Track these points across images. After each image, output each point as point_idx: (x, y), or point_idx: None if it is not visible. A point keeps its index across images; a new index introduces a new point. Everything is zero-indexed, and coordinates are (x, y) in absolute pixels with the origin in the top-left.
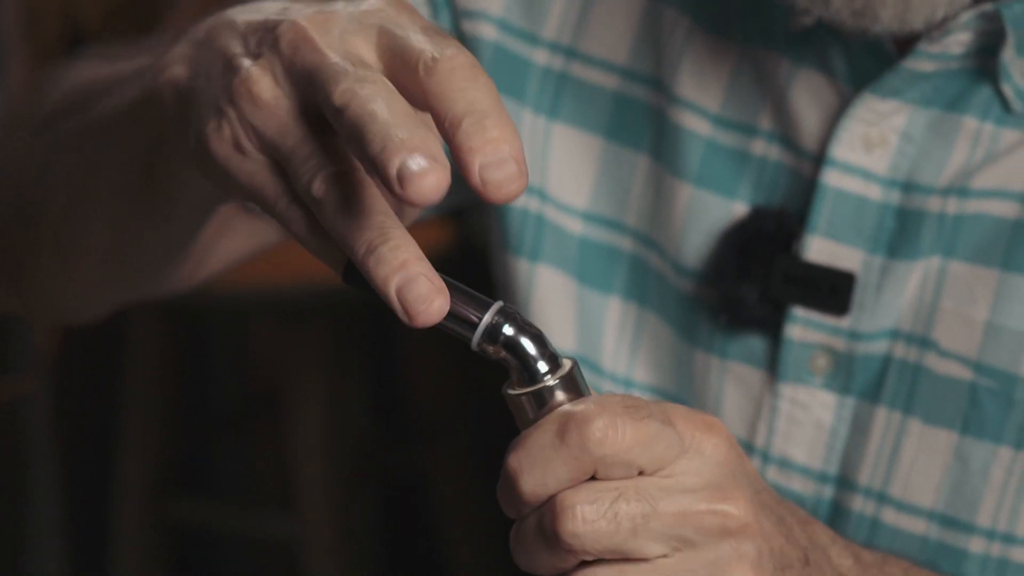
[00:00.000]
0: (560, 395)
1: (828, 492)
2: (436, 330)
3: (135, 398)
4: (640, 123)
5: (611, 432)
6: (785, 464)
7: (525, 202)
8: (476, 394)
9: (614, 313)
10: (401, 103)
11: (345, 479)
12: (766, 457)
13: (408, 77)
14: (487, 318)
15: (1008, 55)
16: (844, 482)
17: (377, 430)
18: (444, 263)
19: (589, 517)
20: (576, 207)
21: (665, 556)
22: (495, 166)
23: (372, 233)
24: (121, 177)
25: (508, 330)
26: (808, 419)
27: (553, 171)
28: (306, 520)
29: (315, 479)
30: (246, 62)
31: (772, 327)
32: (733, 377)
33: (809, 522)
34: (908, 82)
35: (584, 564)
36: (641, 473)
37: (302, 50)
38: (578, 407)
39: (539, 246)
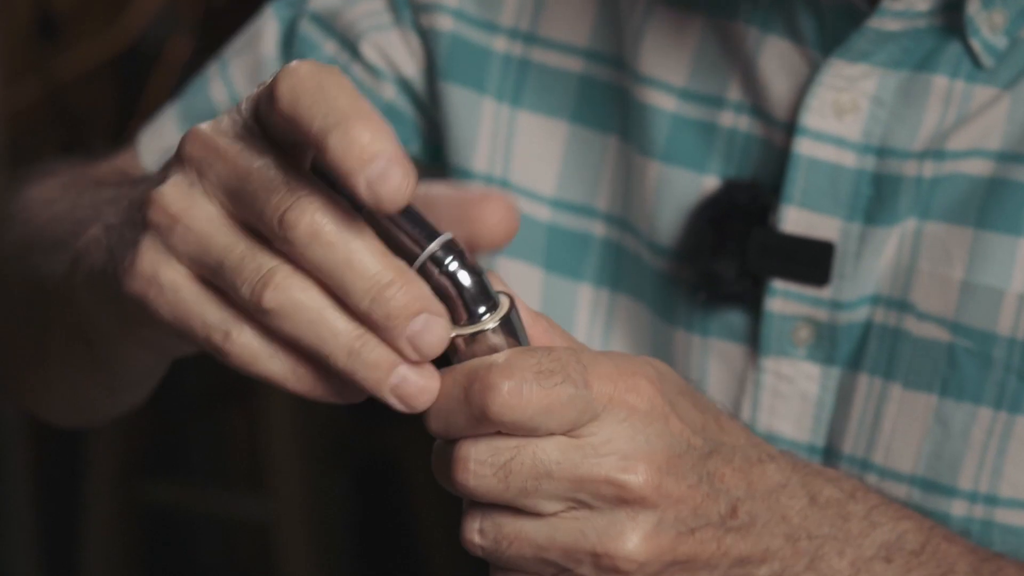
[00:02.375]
0: (492, 337)
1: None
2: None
3: None
4: (607, 104)
5: (514, 400)
6: (772, 439)
7: None
8: None
9: (585, 299)
10: None
11: (317, 460)
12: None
13: (268, 117)
14: (432, 247)
15: (973, 8)
16: (831, 453)
17: (348, 411)
18: None
19: (480, 472)
20: (543, 194)
21: (559, 512)
22: (380, 180)
23: (347, 335)
24: (66, 348)
25: (450, 263)
26: (793, 392)
27: (518, 159)
28: (278, 501)
29: (287, 461)
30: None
31: (752, 301)
32: (715, 354)
33: (758, 463)
34: (876, 43)
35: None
36: (548, 435)
37: (207, 155)
38: (488, 365)
39: None
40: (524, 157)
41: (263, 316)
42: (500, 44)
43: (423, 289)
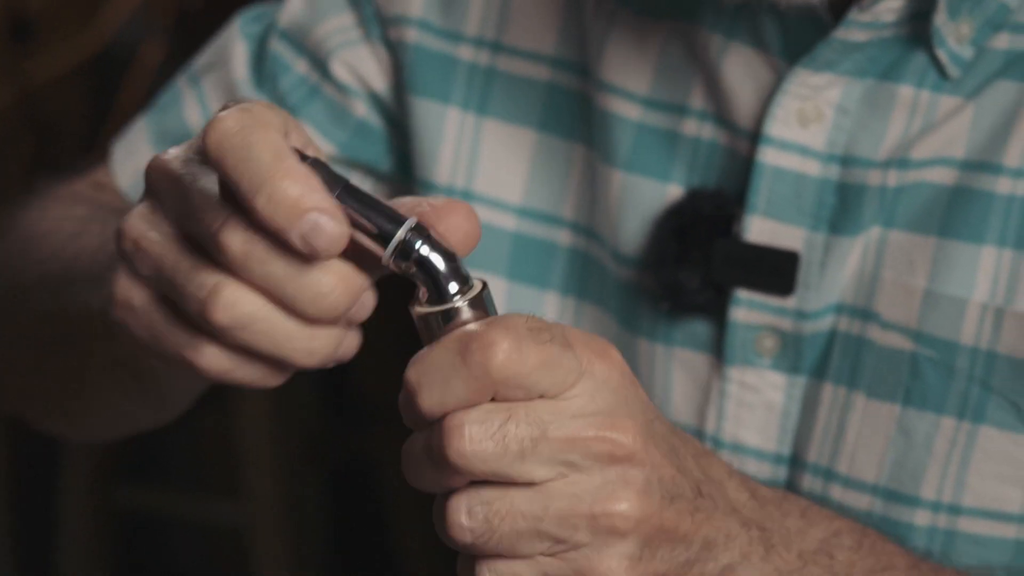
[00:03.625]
0: (468, 315)
1: (783, 473)
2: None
3: None
4: (573, 112)
5: (515, 355)
6: (738, 448)
7: None
8: None
9: (551, 308)
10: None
11: (292, 463)
12: (717, 443)
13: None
14: (400, 233)
15: (940, 19)
16: (796, 462)
17: (324, 413)
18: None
19: (476, 437)
20: (510, 203)
21: (551, 480)
22: (313, 234)
23: (303, 338)
24: (111, 377)
25: (420, 247)
26: (758, 401)
27: (483, 169)
28: (254, 505)
29: (262, 464)
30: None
31: (716, 311)
32: (679, 363)
33: (705, 454)
34: (841, 53)
35: (470, 484)
36: (539, 397)
37: (163, 181)
38: (482, 327)
39: None
40: (490, 166)
41: (219, 332)
42: (466, 53)
43: (359, 279)
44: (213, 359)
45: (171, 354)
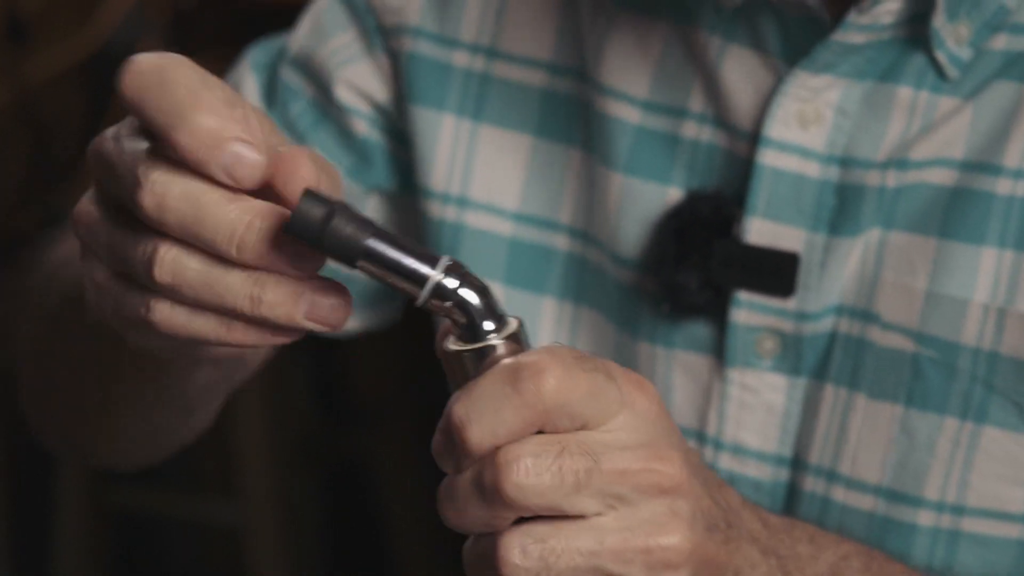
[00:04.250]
0: (503, 351)
1: (784, 475)
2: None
3: None
4: (570, 117)
5: (567, 382)
6: (738, 450)
7: (441, 212)
8: (417, 375)
9: (548, 313)
10: None
11: (287, 463)
12: (718, 445)
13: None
14: (436, 275)
15: (939, 21)
16: (798, 464)
17: (319, 413)
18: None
19: (534, 470)
20: (506, 208)
21: (600, 514)
22: (234, 164)
23: (245, 285)
24: (137, 385)
25: (456, 286)
26: (759, 403)
27: (479, 175)
28: (249, 505)
29: (258, 464)
30: None
31: (716, 313)
32: (680, 366)
33: (722, 485)
34: (840, 55)
35: (519, 521)
36: (582, 428)
37: (99, 162)
38: (530, 357)
39: (455, 255)
40: (486, 172)
41: (166, 292)
42: (461, 59)
43: (270, 209)
44: (166, 315)
45: (132, 319)
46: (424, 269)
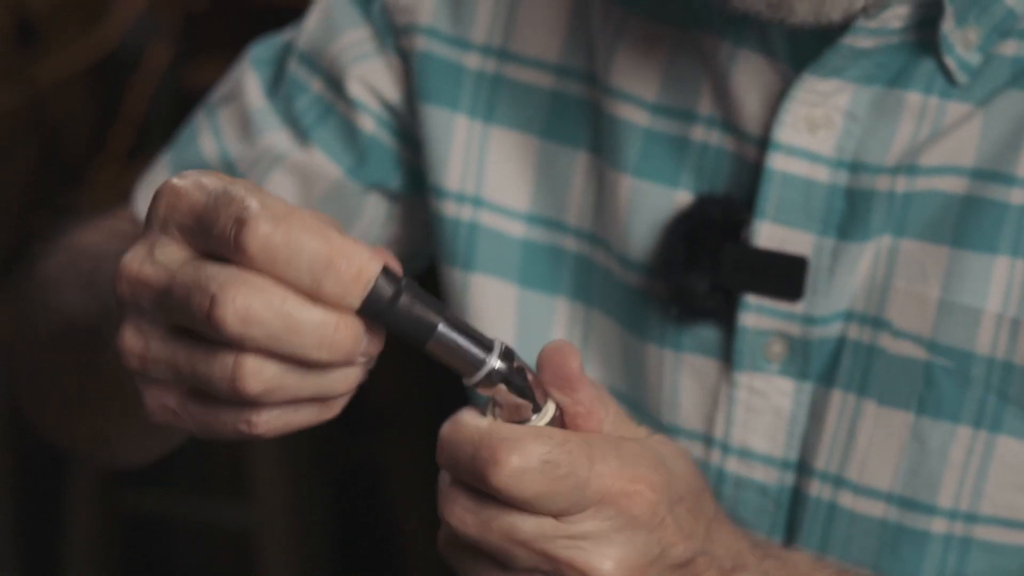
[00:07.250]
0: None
1: (790, 479)
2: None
3: None
4: (577, 120)
5: (513, 481)
6: (745, 454)
7: (457, 211)
8: (428, 381)
9: (562, 314)
10: None
11: (298, 467)
12: (726, 448)
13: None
14: (492, 362)
15: (948, 26)
16: (804, 468)
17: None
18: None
19: (462, 517)
20: (517, 210)
21: (530, 572)
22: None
23: (340, 375)
24: (105, 396)
25: (509, 374)
26: (766, 406)
27: (491, 175)
28: (260, 508)
29: (268, 468)
30: None
31: (725, 316)
32: (688, 369)
33: (730, 573)
34: (849, 60)
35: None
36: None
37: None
38: (501, 438)
39: (472, 255)
40: (497, 173)
41: (257, 400)
42: (473, 61)
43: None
44: (266, 421)
45: (230, 435)
46: (480, 354)
